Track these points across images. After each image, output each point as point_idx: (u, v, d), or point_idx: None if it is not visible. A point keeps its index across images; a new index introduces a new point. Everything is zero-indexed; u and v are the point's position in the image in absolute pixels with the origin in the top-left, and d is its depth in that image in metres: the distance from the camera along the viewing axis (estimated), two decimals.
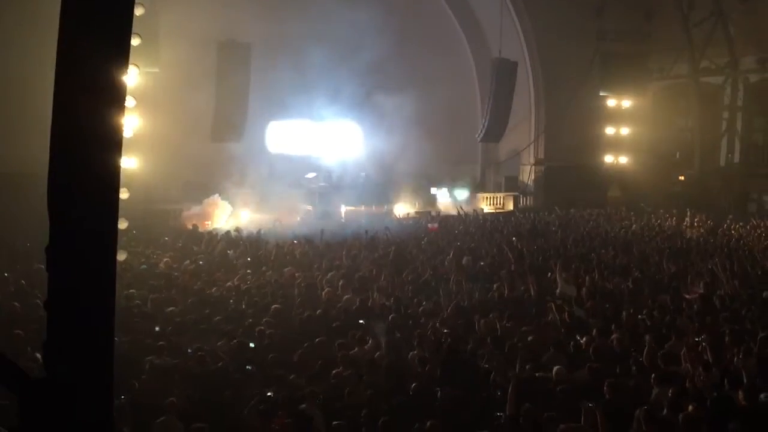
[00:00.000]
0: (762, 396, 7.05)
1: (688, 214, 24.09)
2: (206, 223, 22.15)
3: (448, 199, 29.76)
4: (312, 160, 27.77)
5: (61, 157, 2.58)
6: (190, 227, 21.11)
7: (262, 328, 9.58)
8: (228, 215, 23.37)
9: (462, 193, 30.41)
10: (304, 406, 7.11)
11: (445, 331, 9.73)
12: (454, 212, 26.19)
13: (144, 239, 18.13)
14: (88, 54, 2.57)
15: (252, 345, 9.04)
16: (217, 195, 23.64)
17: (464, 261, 15.54)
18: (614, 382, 7.44)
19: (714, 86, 28.60)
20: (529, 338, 9.30)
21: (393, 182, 27.91)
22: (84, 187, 2.58)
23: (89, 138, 2.59)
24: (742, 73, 27.54)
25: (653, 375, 7.67)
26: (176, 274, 13.77)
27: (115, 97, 2.67)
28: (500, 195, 31.30)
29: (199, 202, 23.41)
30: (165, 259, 15.24)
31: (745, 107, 28.22)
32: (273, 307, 10.89)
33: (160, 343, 8.99)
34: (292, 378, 7.98)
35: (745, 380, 7.40)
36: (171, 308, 10.85)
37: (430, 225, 23.43)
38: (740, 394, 7.00)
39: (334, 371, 8.11)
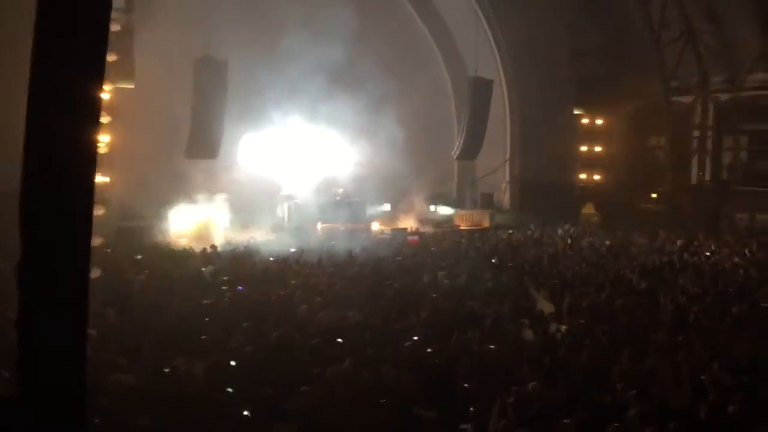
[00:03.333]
0: (730, 408, 7.16)
1: (660, 231, 24.37)
2: (180, 240, 21.96)
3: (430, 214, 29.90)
4: (287, 176, 27.69)
5: (34, 174, 2.56)
6: (164, 244, 20.94)
7: (238, 346, 9.50)
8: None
9: (446, 210, 30.64)
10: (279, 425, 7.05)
11: (421, 348, 9.72)
12: (428, 229, 26.37)
13: (118, 256, 17.93)
14: (62, 70, 2.56)
15: (233, 363, 8.95)
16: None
17: (440, 278, 15.56)
18: (590, 399, 7.47)
19: (685, 105, 29.07)
20: (506, 355, 9.32)
21: (369, 199, 27.94)
22: (57, 204, 2.56)
23: (63, 154, 2.57)
24: (712, 92, 28.04)
25: (629, 392, 7.72)
26: (152, 291, 13.61)
27: (90, 113, 2.65)
28: (476, 212, 31.43)
29: (172, 218, 23.21)
30: (140, 277, 15.05)
31: (716, 126, 28.70)
32: (248, 325, 10.80)
33: (132, 361, 8.86)
34: (267, 396, 7.90)
35: (713, 395, 7.50)
36: (146, 326, 10.71)
37: (410, 238, 23.79)
38: (702, 409, 7.11)
39: (309, 389, 8.04)
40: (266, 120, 26.32)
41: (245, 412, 7.35)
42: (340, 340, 10.16)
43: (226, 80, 23.97)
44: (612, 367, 8.75)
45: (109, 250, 17.94)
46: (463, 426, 7.11)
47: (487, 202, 31.94)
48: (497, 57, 30.24)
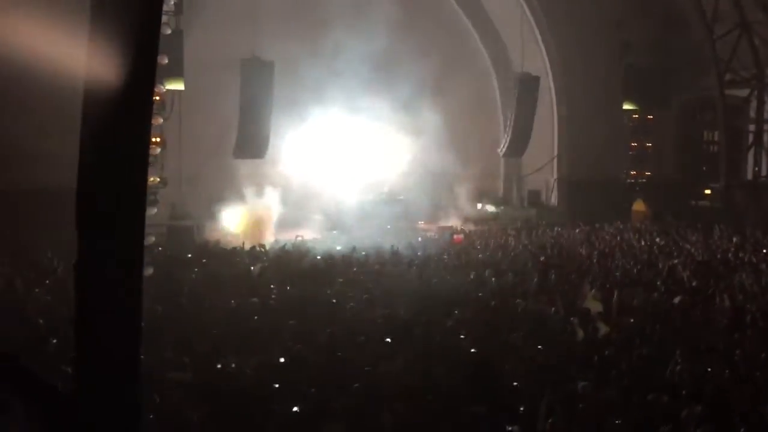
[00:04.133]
0: None
1: (716, 228, 23.75)
2: (230, 237, 22.19)
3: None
4: (333, 173, 27.79)
5: (88, 175, 2.61)
6: (213, 242, 21.21)
7: (287, 344, 9.57)
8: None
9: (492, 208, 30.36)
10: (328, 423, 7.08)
11: (470, 346, 9.66)
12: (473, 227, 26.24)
13: (169, 255, 18.27)
14: (116, 73, 2.61)
15: (282, 360, 9.02)
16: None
17: (487, 276, 15.44)
18: (642, 399, 7.32)
19: (739, 98, 28.29)
20: (555, 353, 9.20)
21: (415, 197, 27.87)
22: (111, 204, 2.61)
23: (116, 155, 2.62)
24: None
25: (683, 392, 7.55)
26: (202, 290, 13.81)
27: (142, 115, 2.70)
28: (523, 209, 31.12)
29: (221, 218, 23.51)
30: (191, 275, 15.31)
31: None
32: (297, 323, 10.88)
33: (183, 358, 9.01)
34: (316, 394, 7.94)
35: None
36: (197, 324, 10.88)
37: (455, 236, 23.71)
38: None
39: (358, 387, 8.06)
40: (312, 116, 26.51)
41: (294, 409, 7.40)
42: (388, 339, 10.16)
43: (273, 81, 24.21)
44: (665, 367, 8.56)
45: (160, 249, 18.29)
46: (510, 428, 7.04)
47: (535, 199, 31.58)
48: (544, 52, 29.85)
